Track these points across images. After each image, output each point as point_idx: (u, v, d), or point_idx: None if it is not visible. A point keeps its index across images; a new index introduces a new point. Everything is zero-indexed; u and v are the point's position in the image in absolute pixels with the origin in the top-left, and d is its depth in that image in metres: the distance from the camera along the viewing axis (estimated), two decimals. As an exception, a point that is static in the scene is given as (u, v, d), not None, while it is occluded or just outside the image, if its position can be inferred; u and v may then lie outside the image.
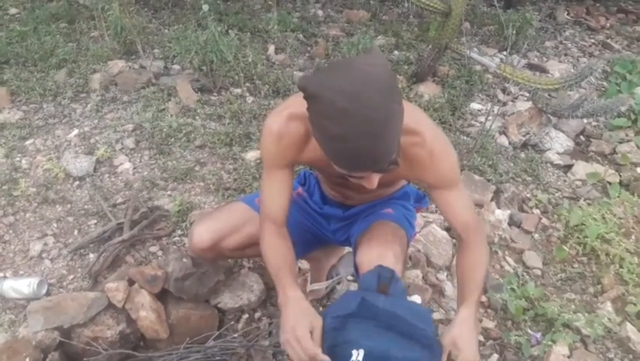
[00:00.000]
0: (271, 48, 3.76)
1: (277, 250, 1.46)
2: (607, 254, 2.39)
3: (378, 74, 1.04)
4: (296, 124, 1.31)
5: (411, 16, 4.69)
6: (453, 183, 1.38)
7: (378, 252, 1.40)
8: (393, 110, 1.06)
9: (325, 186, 1.73)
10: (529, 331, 2.01)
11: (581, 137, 3.35)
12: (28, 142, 2.69)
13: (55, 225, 2.24)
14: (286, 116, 1.32)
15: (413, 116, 1.26)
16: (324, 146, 1.12)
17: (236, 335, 1.88)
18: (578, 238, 2.46)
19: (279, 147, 1.36)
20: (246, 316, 1.99)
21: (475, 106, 3.45)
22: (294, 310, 1.33)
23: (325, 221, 1.75)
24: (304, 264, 2.16)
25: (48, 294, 1.95)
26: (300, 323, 1.29)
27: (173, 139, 2.72)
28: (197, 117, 2.90)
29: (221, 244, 1.63)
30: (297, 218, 1.71)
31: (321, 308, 2.03)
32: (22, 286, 1.90)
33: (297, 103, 1.14)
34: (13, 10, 4.18)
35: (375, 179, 1.19)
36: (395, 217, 1.58)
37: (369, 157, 1.08)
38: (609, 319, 2.07)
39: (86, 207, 2.33)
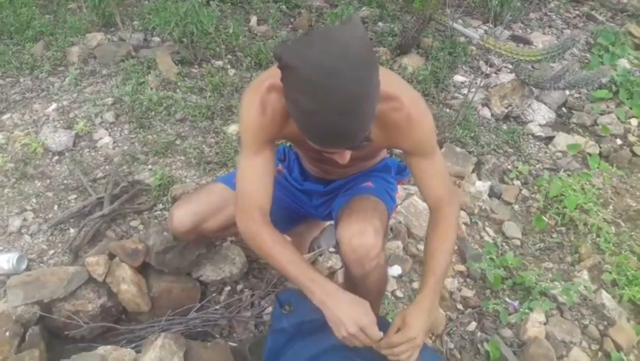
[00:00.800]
0: (253, 19, 3.71)
1: (285, 245, 1.37)
2: (585, 224, 2.43)
3: (356, 48, 1.01)
4: (277, 95, 1.24)
5: (395, -13, 4.63)
6: (430, 150, 1.37)
7: (358, 227, 1.40)
8: (369, 87, 1.04)
9: (305, 161, 1.72)
10: (507, 299, 2.05)
11: (563, 109, 3.37)
12: (5, 117, 2.64)
13: (34, 200, 2.23)
14: (266, 88, 1.26)
15: (391, 81, 1.25)
16: (297, 119, 1.10)
17: (218, 307, 1.90)
18: (557, 208, 2.49)
19: (264, 120, 1.29)
20: (228, 288, 2.00)
21: (458, 78, 3.44)
22: (345, 301, 1.28)
23: (307, 197, 1.74)
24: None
25: (28, 269, 1.94)
26: (359, 313, 1.27)
27: (153, 112, 2.69)
28: (177, 90, 2.87)
29: (202, 226, 1.62)
30: (279, 196, 1.68)
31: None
32: (1, 261, 1.89)
33: (276, 74, 1.10)
34: (-13, -19, 4.05)
35: (347, 155, 1.20)
36: (375, 191, 1.58)
37: (342, 134, 1.06)
38: (585, 287, 2.11)
39: (65, 182, 2.31)
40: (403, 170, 1.77)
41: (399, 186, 1.84)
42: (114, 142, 2.53)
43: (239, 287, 2.02)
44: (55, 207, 2.21)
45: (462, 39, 3.72)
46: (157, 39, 3.36)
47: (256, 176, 1.37)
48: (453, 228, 1.42)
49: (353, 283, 1.50)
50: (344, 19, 1.09)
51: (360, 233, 1.39)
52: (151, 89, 2.81)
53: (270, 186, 1.40)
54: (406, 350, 1.28)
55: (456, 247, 2.25)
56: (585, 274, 2.21)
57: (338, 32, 1.04)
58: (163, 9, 3.17)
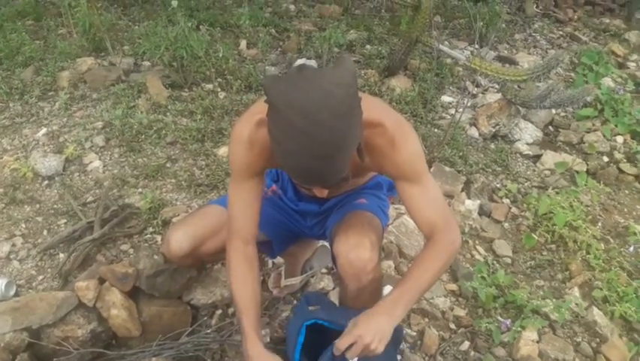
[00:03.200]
0: (243, 43, 3.75)
1: (244, 285, 1.45)
2: (574, 241, 2.44)
3: (339, 97, 1.04)
4: (266, 130, 1.24)
5: (383, 11, 4.71)
6: (415, 175, 1.35)
7: (355, 240, 1.42)
8: (347, 136, 1.07)
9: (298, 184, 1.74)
10: (500, 318, 2.05)
11: (550, 127, 3.42)
12: (-6, 142, 2.64)
13: (23, 225, 2.21)
14: (255, 123, 1.29)
15: (375, 108, 1.28)
16: (276, 154, 1.14)
17: (209, 331, 1.88)
18: (546, 226, 2.51)
19: (250, 156, 1.34)
20: (219, 311, 1.98)
21: (445, 99, 3.49)
22: None
23: (301, 218, 1.75)
24: (278, 259, 2.16)
25: (17, 295, 1.92)
26: None
27: (143, 136, 2.69)
28: (168, 114, 2.88)
29: (200, 249, 1.61)
30: (274, 215, 1.71)
31: (294, 301, 2.04)
32: (-11, 287, 1.87)
33: (265, 108, 1.13)
34: (-23, 8, 4.08)
35: (324, 191, 1.24)
36: (369, 207, 1.59)
37: (317, 176, 1.13)
38: (576, 304, 2.12)
39: (55, 206, 2.30)
40: (393, 187, 1.76)
41: (390, 205, 1.86)
42: (104, 166, 2.53)
43: (230, 310, 2.00)
44: (45, 232, 2.19)
45: (448, 60, 3.78)
46: (147, 63, 3.38)
47: (241, 203, 1.44)
48: (443, 251, 1.36)
49: (348, 300, 1.51)
50: (337, 60, 1.11)
51: (356, 246, 1.40)
52: (141, 112, 2.82)
53: (255, 215, 1.46)
54: (352, 350, 1.26)
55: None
56: (576, 291, 2.21)
57: (325, 78, 1.05)
58: (153, 34, 3.20)
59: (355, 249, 1.40)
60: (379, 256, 1.47)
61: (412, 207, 1.38)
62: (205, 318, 1.94)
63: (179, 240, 1.59)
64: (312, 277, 2.12)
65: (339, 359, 1.29)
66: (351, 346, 1.26)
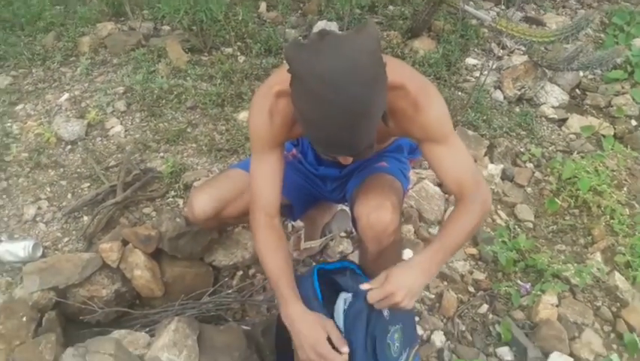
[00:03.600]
0: (262, 5, 3.69)
1: (275, 254, 1.42)
2: (598, 206, 2.40)
3: (364, 64, 1.02)
4: (286, 101, 1.24)
5: (406, -30, 4.57)
6: (442, 136, 1.32)
7: (376, 202, 1.41)
8: (372, 104, 1.05)
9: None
10: (519, 282, 2.04)
11: (577, 90, 3.32)
12: (18, 107, 2.67)
13: (48, 189, 2.26)
14: (275, 94, 1.27)
15: (397, 70, 1.24)
16: (301, 124, 1.13)
17: (230, 291, 1.92)
18: (570, 190, 2.46)
19: (272, 128, 1.33)
20: (240, 273, 2.02)
21: (470, 61, 3.40)
22: (304, 327, 1.31)
23: (321, 182, 1.74)
24: (298, 222, 2.18)
25: (43, 256, 1.97)
26: (315, 337, 1.29)
27: (164, 101, 2.70)
28: (188, 78, 2.88)
29: (222, 212, 1.62)
30: (294, 179, 1.71)
31: (313, 263, 2.06)
32: (17, 249, 1.92)
33: (285, 78, 1.10)
34: (-2, -27, 4.08)
35: (349, 158, 1.22)
36: (390, 170, 1.58)
37: (341, 145, 1.11)
38: (598, 269, 2.09)
39: (78, 170, 2.34)
40: (415, 150, 1.75)
41: (411, 169, 1.84)
42: (126, 131, 2.55)
43: (251, 272, 2.04)
44: (69, 195, 2.23)
45: (474, 21, 3.68)
46: (167, 28, 3.36)
47: (263, 179, 1.42)
48: (476, 209, 1.34)
49: (368, 262, 1.51)
50: (359, 25, 1.08)
51: (378, 208, 1.39)
52: (161, 77, 2.83)
53: (278, 188, 1.44)
54: (382, 303, 1.28)
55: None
56: (598, 256, 2.19)
57: (349, 45, 1.02)
58: (172, -3, 3.17)
59: (376, 211, 1.39)
60: (400, 219, 1.47)
61: (439, 167, 1.36)
62: (226, 279, 1.97)
63: (203, 203, 1.60)
64: (331, 240, 2.13)
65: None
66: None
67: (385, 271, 1.31)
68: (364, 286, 1.30)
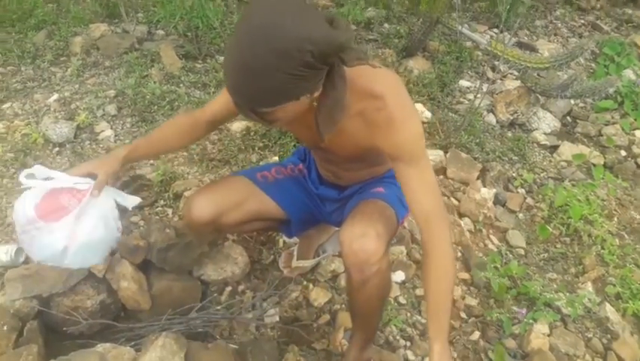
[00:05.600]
0: (259, 16, 3.67)
1: (174, 123, 1.59)
2: (589, 235, 2.41)
3: (288, 38, 1.01)
4: None
5: (402, -11, 4.60)
6: (412, 158, 1.28)
7: (360, 230, 1.36)
8: (272, 72, 1.03)
9: (317, 164, 1.71)
10: (514, 308, 2.03)
11: (568, 118, 3.35)
12: (5, 105, 2.60)
13: (33, 191, 2.18)
14: None
15: (381, 81, 1.24)
16: None
17: (219, 308, 1.86)
18: (561, 218, 2.47)
19: None
20: (229, 288, 1.97)
21: (464, 83, 3.42)
22: None
23: (321, 203, 1.72)
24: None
25: (26, 262, 1.90)
26: None
27: (156, 107, 2.65)
28: (181, 85, 2.83)
29: (220, 219, 1.58)
30: (297, 196, 1.69)
31: (305, 282, 2.02)
32: (-1, 253, 1.85)
33: None
34: (-11, -33, 3.99)
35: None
36: (385, 196, 1.53)
37: (233, 91, 1.11)
38: (589, 299, 2.09)
39: (65, 174, 2.27)
40: None
41: None
42: (116, 135, 2.49)
43: (240, 288, 1.99)
44: (55, 199, 2.16)
45: (468, 44, 3.70)
46: (161, 32, 3.31)
47: (219, 98, 1.53)
48: (450, 252, 1.30)
49: (352, 290, 1.47)
50: (332, 17, 1.10)
51: (361, 236, 1.34)
52: (154, 82, 2.77)
53: (219, 106, 1.54)
54: None
55: (460, 255, 2.22)
56: (589, 286, 2.19)
57: (298, 13, 1.04)
58: (168, 2, 3.13)
59: (360, 239, 1.34)
60: (387, 248, 1.40)
61: (406, 191, 1.31)
62: (215, 295, 1.92)
63: (202, 206, 1.57)
64: (324, 260, 2.09)
65: None
66: None
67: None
68: None
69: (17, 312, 1.63)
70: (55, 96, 2.67)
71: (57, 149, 2.39)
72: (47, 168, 1.43)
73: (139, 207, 2.14)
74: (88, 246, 1.41)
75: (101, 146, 2.43)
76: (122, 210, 1.52)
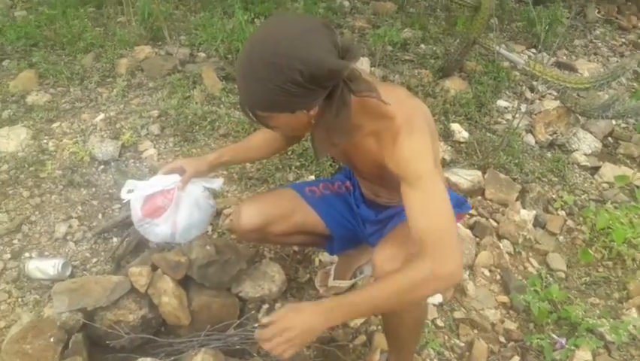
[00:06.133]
0: (297, 38, 3.74)
1: (259, 135, 1.71)
2: (633, 259, 2.34)
3: (281, 54, 1.08)
4: None
5: (438, 10, 4.63)
6: (413, 178, 1.21)
7: (391, 252, 1.36)
8: (262, 82, 1.11)
9: (358, 181, 1.74)
10: (553, 335, 1.98)
11: (609, 138, 3.29)
12: (54, 125, 2.71)
13: (80, 208, 2.26)
14: None
15: (396, 103, 1.25)
16: None
17: (256, 325, 1.87)
18: (603, 241, 2.41)
19: None
20: (266, 306, 1.98)
21: (501, 103, 3.40)
22: None
23: (362, 223, 1.74)
24: (327, 257, 2.16)
25: (71, 276, 1.97)
26: None
27: (197, 127, 2.72)
28: (221, 105, 2.90)
29: (268, 228, 1.65)
30: (342, 213, 1.73)
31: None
32: (47, 266, 1.93)
33: None
34: (42, -7, 4.19)
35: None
36: None
37: (238, 90, 1.23)
38: (634, 326, 2.03)
39: (110, 191, 2.35)
40: (462, 203, 1.69)
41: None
42: (159, 154, 2.57)
43: (277, 305, 2.00)
44: (100, 215, 2.24)
45: (506, 64, 3.69)
46: (203, 54, 3.41)
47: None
48: (423, 271, 1.15)
49: (386, 316, 1.46)
50: (349, 41, 1.18)
51: (392, 259, 1.34)
52: (196, 103, 2.85)
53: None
54: (274, 343, 1.17)
55: (499, 277, 2.20)
56: (634, 313, 2.12)
57: (301, 35, 1.10)
58: (210, 25, 3.23)
59: (390, 261, 1.33)
60: None
61: (407, 212, 1.22)
62: (253, 312, 1.94)
63: (251, 214, 1.64)
64: (360, 281, 2.09)
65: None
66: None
67: (287, 306, 1.22)
68: (258, 329, 1.20)
69: (63, 324, 1.68)
70: (102, 116, 2.77)
71: (102, 166, 2.47)
72: (137, 180, 1.80)
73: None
74: (189, 227, 1.76)
75: (144, 164, 2.50)
76: (212, 191, 1.84)
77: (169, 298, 1.80)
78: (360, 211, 1.69)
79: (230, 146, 1.83)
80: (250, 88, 1.15)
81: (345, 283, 2.01)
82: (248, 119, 1.27)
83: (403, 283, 1.16)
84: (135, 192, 1.75)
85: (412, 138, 1.23)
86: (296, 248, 2.18)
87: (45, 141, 2.58)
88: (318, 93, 1.14)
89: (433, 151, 1.26)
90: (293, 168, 2.54)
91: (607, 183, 2.87)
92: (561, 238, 2.47)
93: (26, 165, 2.40)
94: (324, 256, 2.16)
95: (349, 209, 1.73)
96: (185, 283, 1.88)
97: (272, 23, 1.16)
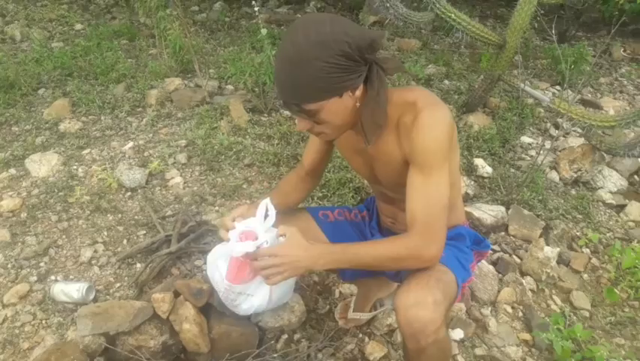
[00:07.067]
0: (322, 72, 3.81)
1: (285, 181, 1.75)
2: (661, 300, 2.29)
3: (326, 31, 1.16)
4: None
5: (462, 47, 4.69)
6: (426, 164, 1.29)
7: (416, 296, 1.30)
8: (311, 61, 1.16)
9: (379, 208, 1.75)
10: (577, 376, 1.94)
11: (636, 176, 3.24)
12: (85, 151, 2.79)
13: (105, 233, 2.31)
14: None
15: (417, 92, 1.34)
16: None
17: (275, 355, 1.88)
18: (629, 281, 2.36)
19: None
20: (285, 336, 1.98)
21: (525, 139, 3.39)
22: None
23: None
24: (346, 288, 2.15)
25: (95, 300, 2.01)
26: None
27: (223, 156, 2.78)
28: (247, 137, 2.96)
29: None
30: (353, 240, 1.72)
31: (360, 334, 2.01)
32: (71, 290, 1.96)
33: None
34: (78, 26, 4.39)
35: (299, 121, 1.33)
36: (444, 259, 1.43)
37: (277, 85, 1.26)
38: (662, 369, 1.97)
39: (136, 217, 2.40)
40: (481, 241, 1.68)
41: (474, 259, 1.74)
42: (185, 182, 2.62)
43: (296, 336, 2.00)
44: (125, 241, 2.28)
45: (530, 101, 3.70)
46: (230, 87, 3.50)
47: (310, 145, 1.69)
48: (405, 252, 1.31)
49: (409, 357, 1.42)
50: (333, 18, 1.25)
51: (417, 304, 1.29)
52: (222, 134, 2.92)
53: (314, 152, 1.68)
54: (269, 271, 1.34)
55: (521, 314, 2.16)
56: (662, 355, 2.06)
57: (340, 33, 1.17)
58: (238, 59, 3.32)
59: (415, 307, 1.28)
60: (446, 315, 1.34)
61: (407, 193, 1.34)
62: (272, 342, 1.94)
63: None
64: (381, 313, 2.08)
65: None
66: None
67: (283, 242, 1.37)
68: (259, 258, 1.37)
69: (86, 348, 1.71)
70: (131, 144, 2.85)
71: (129, 193, 2.53)
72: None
73: (202, 252, 2.22)
74: (282, 294, 1.72)
75: (171, 192, 2.56)
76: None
77: (190, 325, 1.81)
78: (377, 238, 1.70)
79: (269, 194, 1.67)
80: (299, 77, 1.18)
81: (365, 316, 2.00)
82: (300, 119, 1.31)
83: (391, 252, 1.33)
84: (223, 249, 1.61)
85: (434, 128, 1.28)
86: (316, 278, 2.19)
87: (75, 167, 2.67)
88: (362, 68, 1.22)
89: (449, 137, 1.31)
90: (315, 198, 2.56)
91: (633, 221, 2.82)
92: (585, 276, 2.43)
93: (56, 190, 2.48)
94: (344, 288, 2.16)
95: (362, 237, 1.74)
96: (205, 310, 1.89)
97: (303, 19, 1.22)
